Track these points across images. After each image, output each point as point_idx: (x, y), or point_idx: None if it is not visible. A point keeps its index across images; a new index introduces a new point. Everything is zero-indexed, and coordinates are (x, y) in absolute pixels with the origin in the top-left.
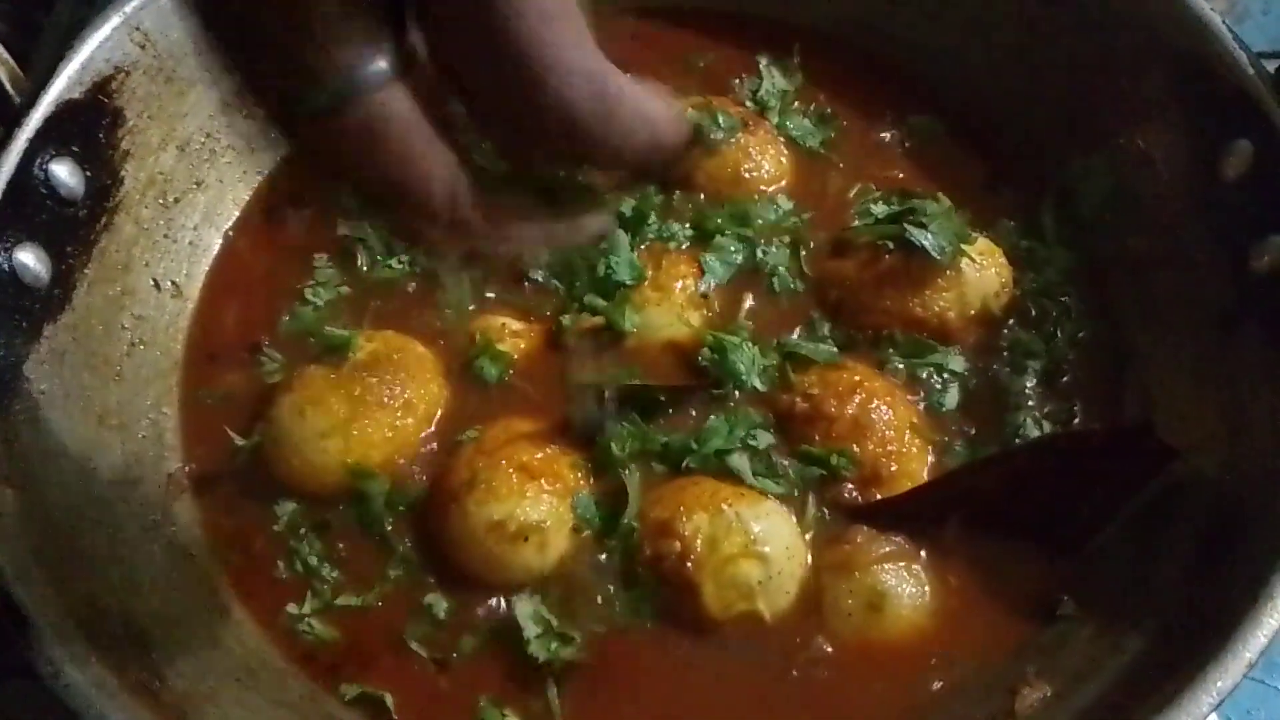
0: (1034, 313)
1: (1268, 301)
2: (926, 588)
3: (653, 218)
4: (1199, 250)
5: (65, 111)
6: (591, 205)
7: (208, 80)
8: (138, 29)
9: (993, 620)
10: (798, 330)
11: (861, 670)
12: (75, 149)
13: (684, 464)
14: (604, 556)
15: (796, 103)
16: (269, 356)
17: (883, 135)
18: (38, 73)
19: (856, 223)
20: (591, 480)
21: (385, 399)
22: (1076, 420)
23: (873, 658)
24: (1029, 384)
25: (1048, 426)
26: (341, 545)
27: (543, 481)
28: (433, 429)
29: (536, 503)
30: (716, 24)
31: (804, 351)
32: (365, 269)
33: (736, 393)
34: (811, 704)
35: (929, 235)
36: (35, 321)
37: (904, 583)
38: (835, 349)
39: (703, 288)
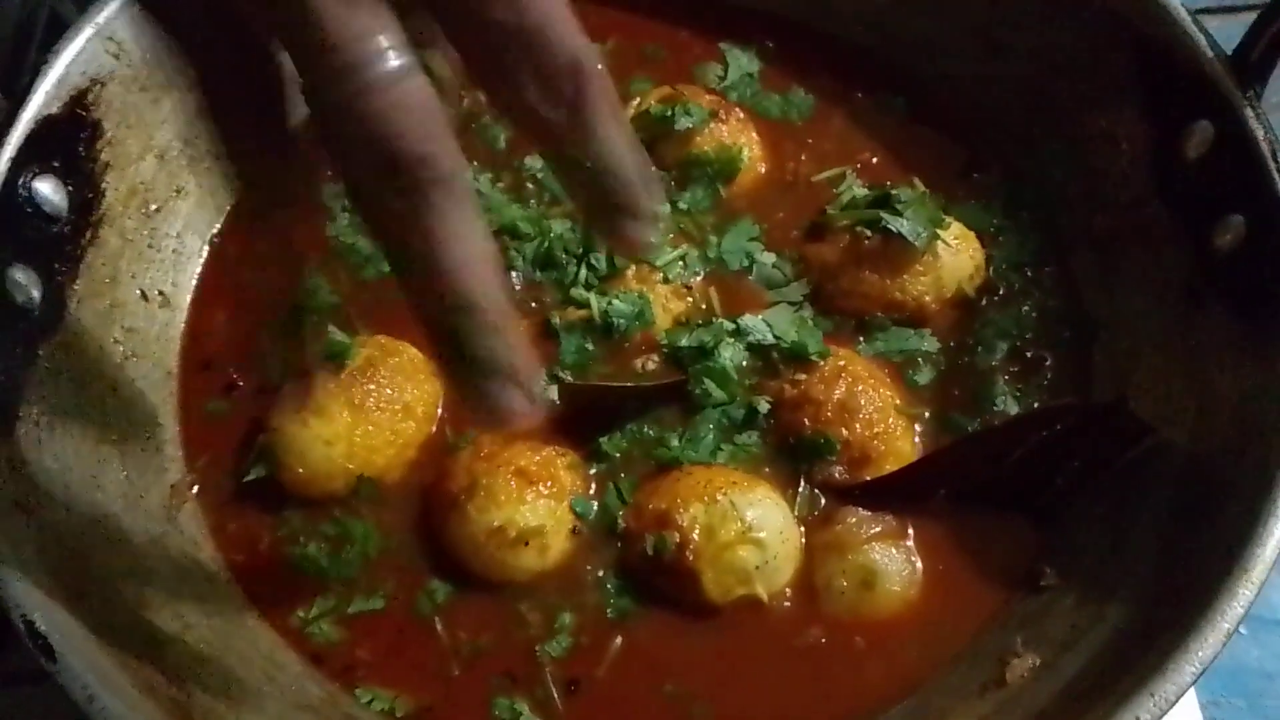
0: (1006, 293)
1: (1230, 278)
2: (916, 563)
3: None
4: (1163, 229)
5: (44, 128)
6: None
7: (183, 86)
8: (110, 38)
9: (980, 592)
10: (783, 318)
11: (857, 646)
12: (56, 164)
13: (677, 459)
14: (604, 553)
15: (764, 88)
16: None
17: (854, 117)
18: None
19: (830, 209)
20: (588, 480)
21: (385, 404)
22: (1047, 396)
23: (867, 633)
24: (1004, 362)
25: (1024, 403)
26: (346, 548)
27: (540, 486)
28: (433, 429)
29: (535, 508)
30: (671, 10)
31: (789, 339)
32: (354, 270)
33: (723, 383)
34: (810, 680)
35: (905, 221)
36: (30, 343)
37: (894, 560)
38: (819, 334)
39: (686, 278)
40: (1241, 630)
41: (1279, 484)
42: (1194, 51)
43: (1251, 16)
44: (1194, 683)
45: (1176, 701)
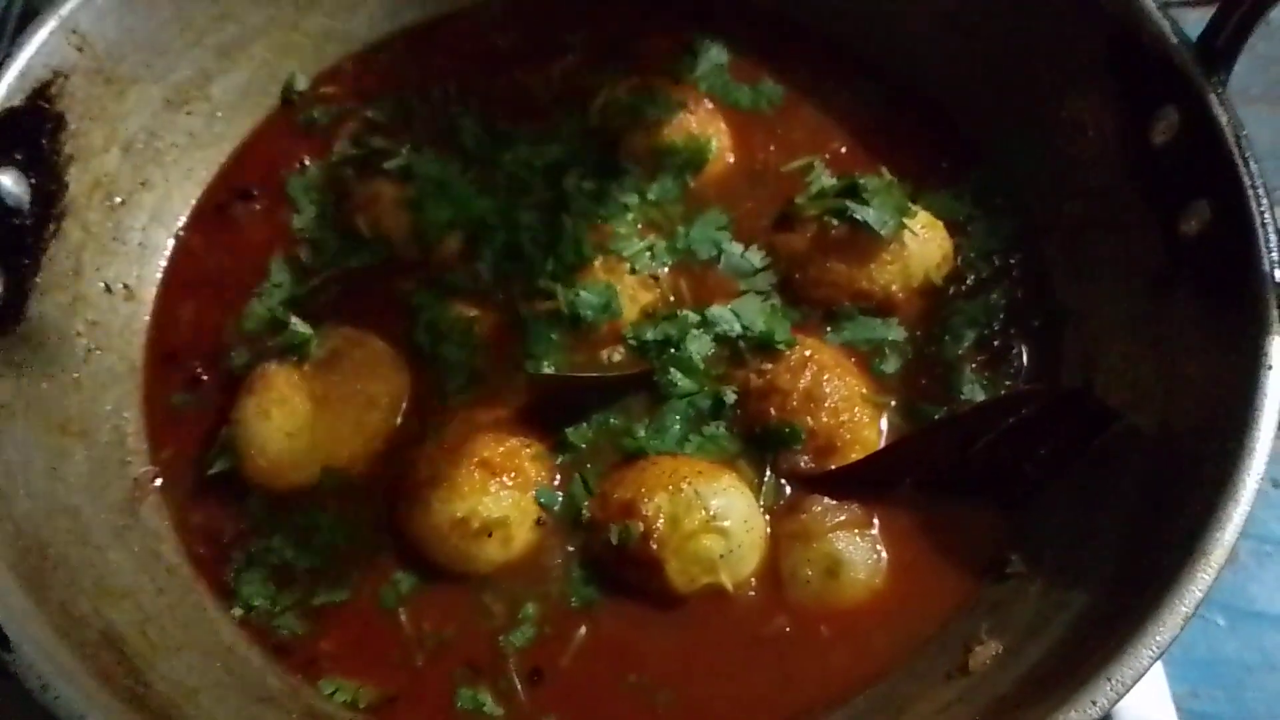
0: (975, 281)
1: (1197, 263)
2: (882, 552)
3: (604, 203)
4: (1131, 215)
5: (6, 120)
6: None
7: (148, 79)
8: (74, 31)
9: (946, 580)
10: (749, 308)
11: (823, 634)
12: (18, 157)
13: (643, 449)
14: (568, 544)
15: (734, 79)
16: (231, 356)
17: (823, 107)
18: None
19: (799, 199)
20: (553, 471)
21: (348, 396)
22: (1015, 385)
23: (833, 621)
24: (971, 351)
25: (991, 391)
26: (311, 540)
27: (504, 477)
28: (398, 421)
29: (498, 499)
30: (641, 1)
31: (757, 329)
32: (319, 264)
33: (689, 373)
34: (775, 669)
35: (870, 210)
36: None
37: (859, 549)
38: (787, 323)
39: (654, 269)
40: (1220, 621)
41: (1241, 468)
42: (1160, 38)
43: None
44: (1150, 666)
45: (1133, 685)
